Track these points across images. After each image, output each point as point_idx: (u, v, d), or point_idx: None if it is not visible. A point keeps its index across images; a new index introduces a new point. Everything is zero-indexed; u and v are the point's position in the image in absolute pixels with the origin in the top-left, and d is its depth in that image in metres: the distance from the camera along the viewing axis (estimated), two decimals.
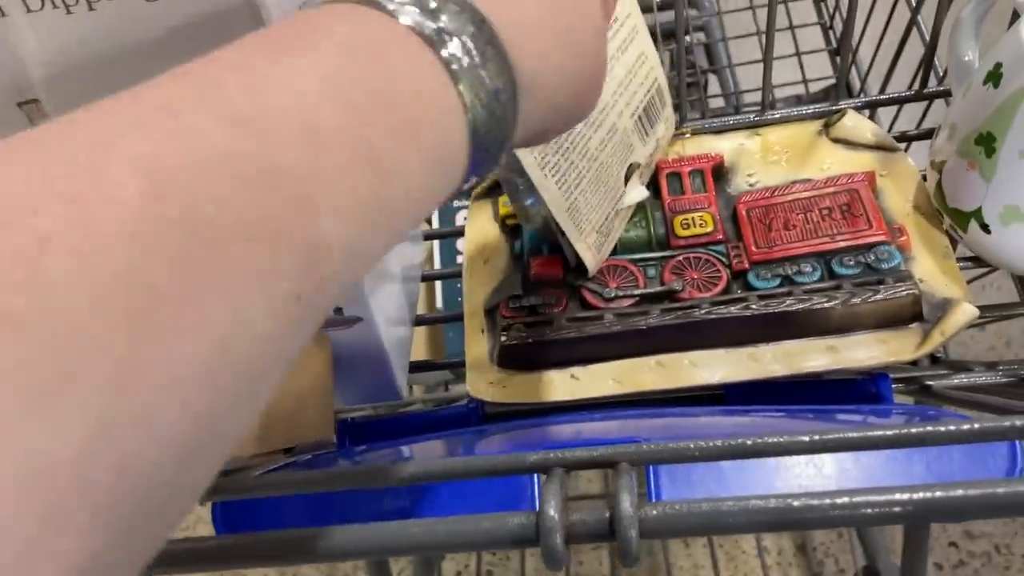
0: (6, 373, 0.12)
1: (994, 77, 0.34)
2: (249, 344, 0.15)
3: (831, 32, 0.75)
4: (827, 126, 0.43)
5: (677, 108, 0.45)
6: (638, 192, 0.39)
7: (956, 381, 0.37)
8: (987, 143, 0.35)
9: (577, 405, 0.38)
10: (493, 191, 0.45)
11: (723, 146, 0.44)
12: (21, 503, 0.12)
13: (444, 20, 0.20)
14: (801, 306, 0.37)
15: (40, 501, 0.12)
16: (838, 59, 0.73)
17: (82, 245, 0.13)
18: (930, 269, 0.38)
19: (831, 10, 0.75)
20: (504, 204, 0.44)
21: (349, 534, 0.22)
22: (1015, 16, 0.38)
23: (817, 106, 0.44)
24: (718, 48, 0.99)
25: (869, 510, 0.21)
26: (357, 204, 0.18)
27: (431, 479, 0.24)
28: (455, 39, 0.20)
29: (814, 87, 0.80)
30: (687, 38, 1.05)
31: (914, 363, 0.53)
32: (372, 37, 0.19)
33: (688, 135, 0.44)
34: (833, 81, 0.73)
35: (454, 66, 0.20)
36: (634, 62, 0.38)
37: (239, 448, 0.27)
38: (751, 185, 0.42)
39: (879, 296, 0.36)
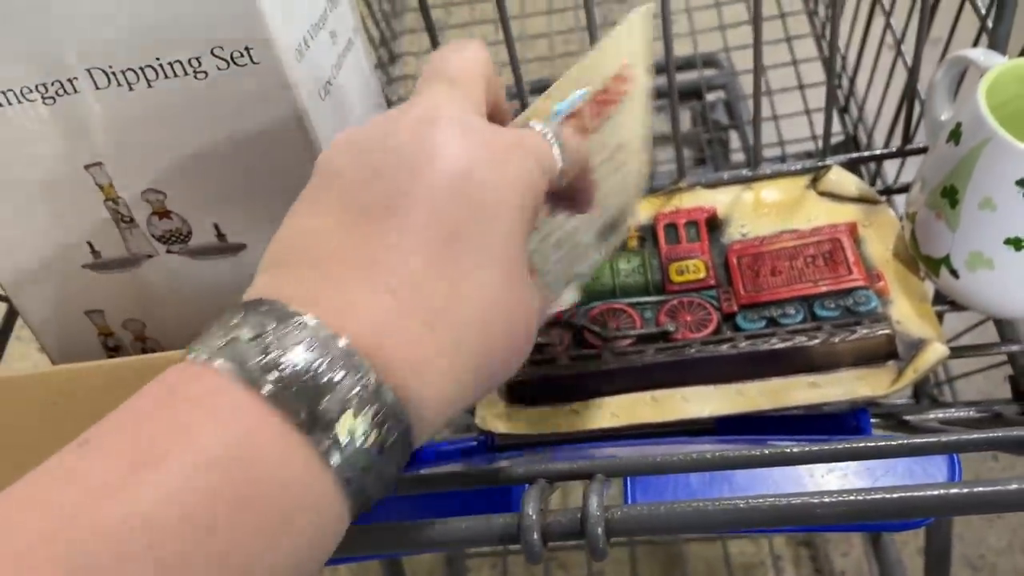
0: None
1: (955, 135, 0.38)
2: None
3: (839, 91, 0.79)
4: (814, 181, 0.47)
5: (703, 163, 0.49)
6: (570, 297, 0.39)
7: (932, 415, 0.40)
8: (951, 195, 0.38)
9: (579, 437, 0.41)
10: None
11: (719, 199, 0.47)
12: None
13: (327, 401, 0.20)
14: (784, 345, 0.40)
15: None
16: (846, 116, 0.77)
17: None
18: (907, 312, 0.40)
19: (838, 70, 0.78)
20: None
21: (357, 534, 0.26)
22: None
23: (805, 162, 0.48)
24: (737, 106, 1.03)
25: (811, 511, 0.24)
26: None
27: (434, 487, 0.28)
28: (335, 423, 0.20)
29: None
30: (709, 96, 1.10)
31: (917, 400, 0.55)
32: (235, 434, 0.19)
33: (685, 189, 0.48)
34: (842, 137, 0.76)
35: (332, 457, 0.20)
36: (612, 177, 0.35)
37: None
38: (743, 235, 0.46)
39: (856, 336, 0.39)
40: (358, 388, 0.20)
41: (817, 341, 0.39)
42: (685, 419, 0.40)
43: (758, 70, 0.44)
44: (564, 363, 0.42)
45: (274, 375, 0.20)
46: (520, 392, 0.42)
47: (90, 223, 0.35)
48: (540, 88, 0.98)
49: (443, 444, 0.44)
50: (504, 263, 0.24)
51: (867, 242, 0.44)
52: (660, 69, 0.99)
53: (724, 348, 0.40)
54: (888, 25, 0.61)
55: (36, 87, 0.31)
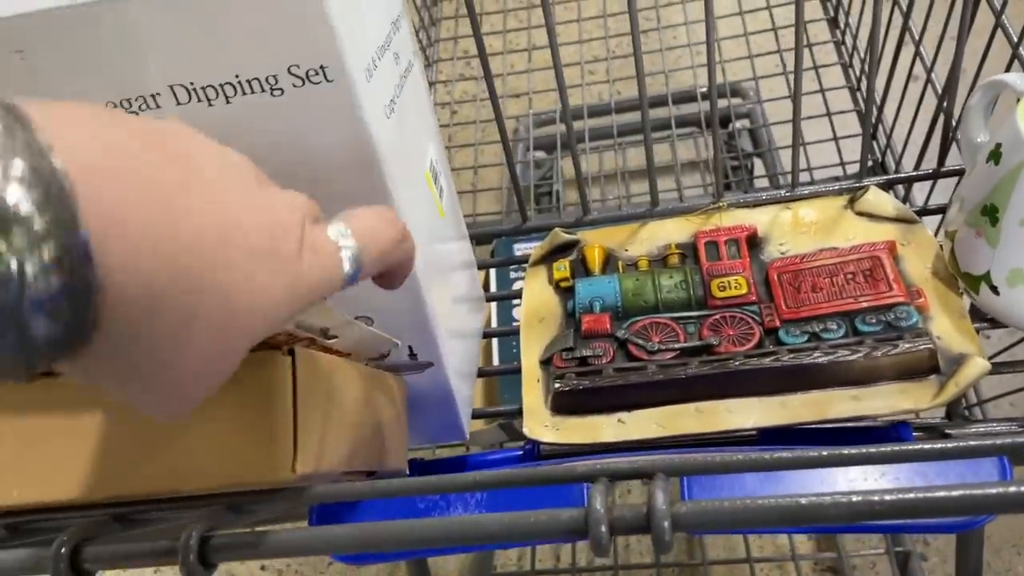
0: None
1: (995, 156, 0.39)
2: None
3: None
4: (852, 201, 0.48)
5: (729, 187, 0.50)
6: None
7: (973, 430, 0.40)
8: (991, 213, 0.39)
9: (624, 447, 0.42)
10: (547, 258, 0.50)
11: (757, 218, 0.49)
12: None
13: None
14: (827, 359, 0.41)
15: None
16: (875, 143, 0.78)
17: None
18: (947, 328, 0.41)
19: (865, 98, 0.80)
20: (558, 269, 0.49)
21: (426, 526, 0.27)
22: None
23: (843, 183, 0.49)
24: (761, 133, 1.05)
25: (871, 508, 0.24)
26: None
27: (495, 486, 0.29)
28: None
29: (852, 168, 0.85)
30: (736, 124, 1.11)
31: (950, 417, 0.56)
32: None
33: (724, 208, 0.49)
34: (869, 163, 0.77)
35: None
36: None
37: (332, 466, 0.32)
38: (782, 253, 0.47)
39: (898, 350, 0.40)
40: (47, 216, 0.16)
41: (859, 355, 0.40)
42: (729, 430, 0.41)
43: (797, 94, 0.46)
44: (609, 374, 0.43)
45: None
46: (566, 402, 0.43)
47: None
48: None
49: (489, 454, 0.45)
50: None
51: (906, 260, 0.45)
52: (687, 98, 1.01)
53: (767, 361, 0.41)
54: (918, 53, 0.63)
55: (120, 102, 0.33)
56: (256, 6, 0.30)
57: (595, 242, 0.50)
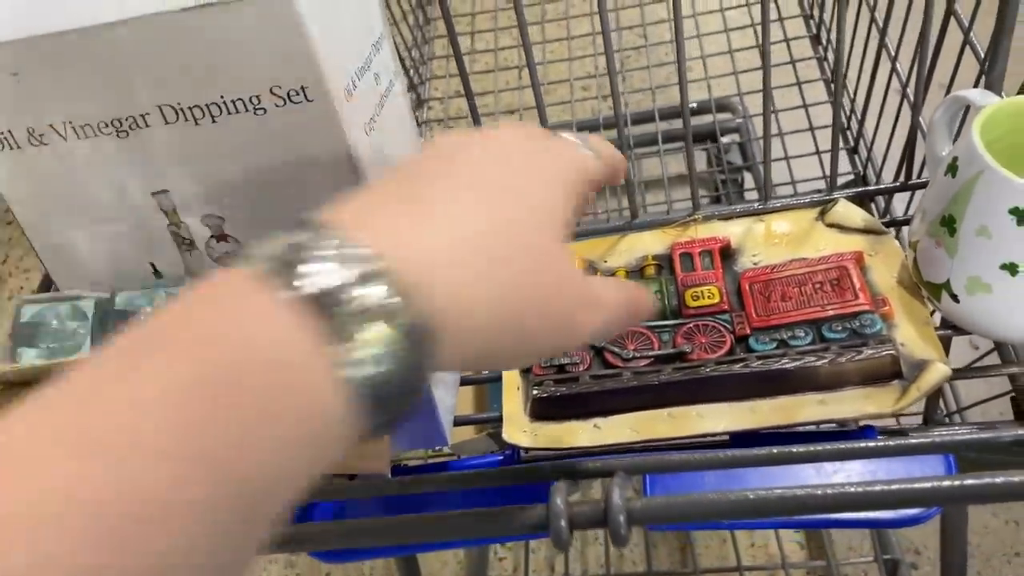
0: None
1: (952, 169, 0.40)
2: None
3: (848, 132, 0.82)
4: (822, 213, 0.50)
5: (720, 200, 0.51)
6: None
7: (934, 432, 0.42)
8: (949, 224, 0.40)
9: (600, 452, 0.43)
10: None
11: (731, 230, 0.50)
12: None
13: (352, 309, 0.20)
14: (794, 365, 0.42)
15: None
16: (856, 157, 0.79)
17: None
18: (911, 335, 0.43)
19: (848, 112, 0.81)
20: None
21: (398, 522, 0.28)
22: None
23: (813, 196, 0.51)
24: (750, 147, 1.07)
25: (815, 501, 0.26)
26: (209, 520, 0.17)
27: (465, 484, 0.30)
28: (357, 332, 0.20)
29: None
30: (724, 139, 1.13)
31: (927, 422, 0.57)
32: (249, 331, 0.19)
33: (700, 221, 0.51)
34: (852, 176, 0.79)
35: (348, 367, 0.20)
36: None
37: None
38: (755, 263, 0.48)
39: (862, 356, 0.41)
40: (388, 301, 0.21)
41: (825, 361, 0.42)
42: (700, 434, 0.42)
43: (767, 108, 0.47)
44: (586, 381, 0.44)
45: (301, 282, 0.20)
46: (544, 409, 0.44)
47: (153, 245, 0.38)
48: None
49: (469, 460, 0.47)
50: (542, 216, 0.26)
51: (873, 270, 0.46)
52: (676, 114, 1.03)
53: (737, 368, 0.43)
54: (894, 69, 0.64)
55: (111, 122, 0.35)
56: (238, 30, 0.32)
57: (575, 254, 0.52)
